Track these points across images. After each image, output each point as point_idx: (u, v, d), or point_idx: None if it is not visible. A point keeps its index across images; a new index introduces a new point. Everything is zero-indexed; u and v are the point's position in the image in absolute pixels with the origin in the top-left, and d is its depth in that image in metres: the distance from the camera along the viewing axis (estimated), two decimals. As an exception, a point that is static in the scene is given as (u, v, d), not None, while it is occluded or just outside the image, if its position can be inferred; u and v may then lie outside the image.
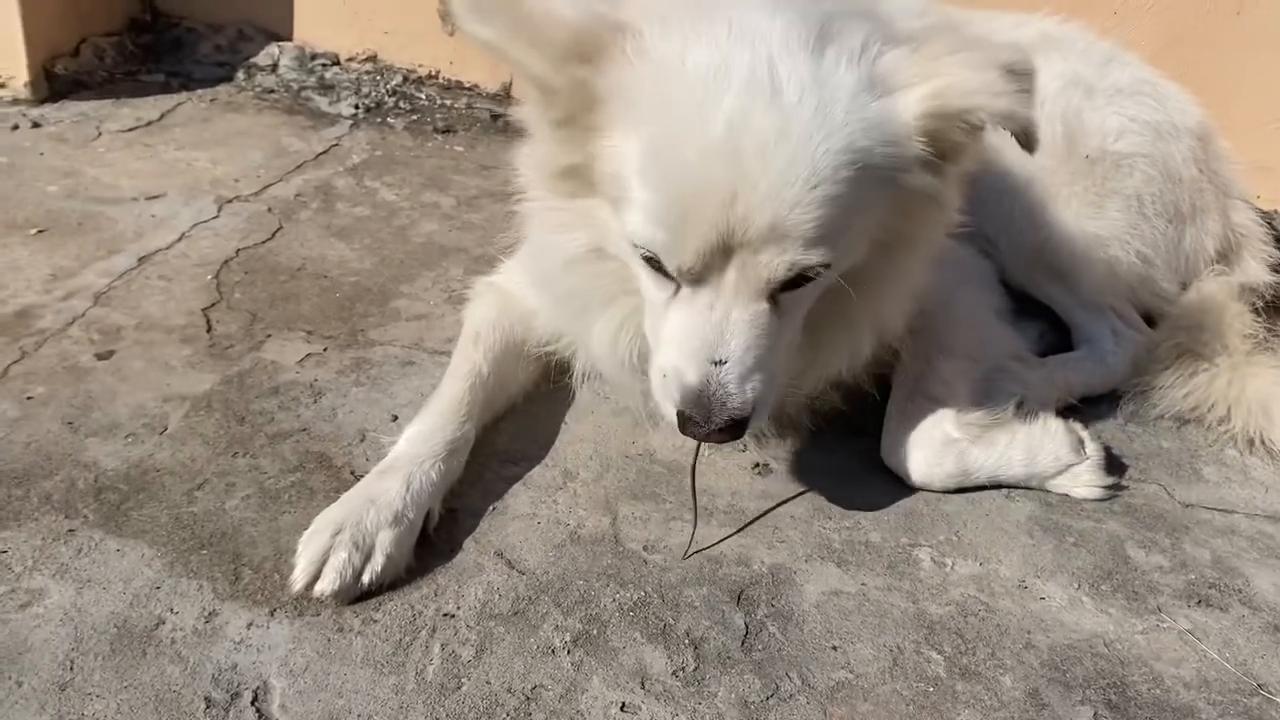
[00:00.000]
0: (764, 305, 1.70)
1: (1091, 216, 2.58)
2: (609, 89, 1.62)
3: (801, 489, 2.14)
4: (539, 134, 1.82)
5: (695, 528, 1.97)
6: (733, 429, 1.72)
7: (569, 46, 1.61)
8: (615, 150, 1.66)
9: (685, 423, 1.74)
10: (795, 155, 1.56)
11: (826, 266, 1.66)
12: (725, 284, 1.67)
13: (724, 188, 1.57)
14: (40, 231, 2.84)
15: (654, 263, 1.70)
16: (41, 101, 3.70)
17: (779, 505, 2.09)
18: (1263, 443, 2.39)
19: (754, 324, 1.70)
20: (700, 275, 1.67)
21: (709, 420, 1.71)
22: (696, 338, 1.70)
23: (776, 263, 1.63)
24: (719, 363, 1.69)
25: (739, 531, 2.01)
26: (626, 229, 1.69)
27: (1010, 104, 1.62)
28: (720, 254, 1.63)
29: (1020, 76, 1.63)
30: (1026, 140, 1.70)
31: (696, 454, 1.98)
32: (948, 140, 1.66)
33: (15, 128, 3.49)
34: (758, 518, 2.05)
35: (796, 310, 1.78)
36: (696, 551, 1.94)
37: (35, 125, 3.53)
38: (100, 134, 3.53)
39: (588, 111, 1.65)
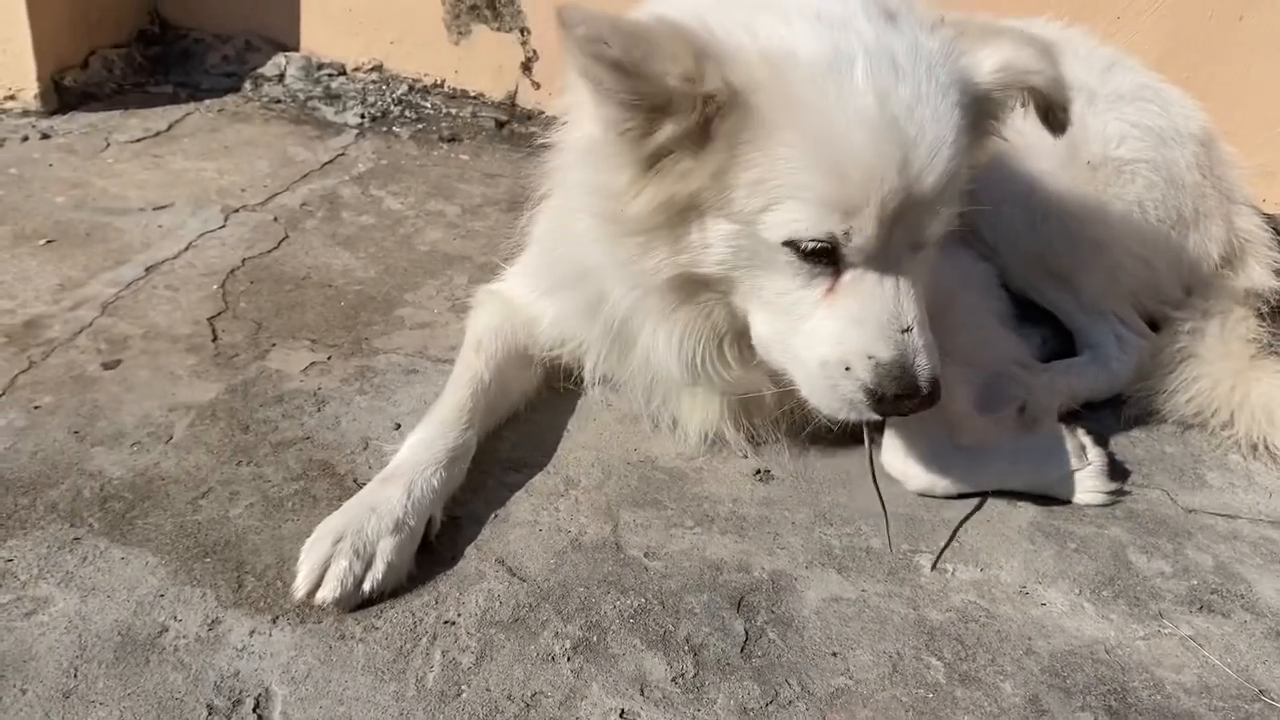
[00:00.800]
0: (919, 265, 1.78)
1: (1094, 222, 2.57)
2: (738, 95, 1.62)
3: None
4: (623, 178, 1.75)
5: (889, 524, 2.00)
6: (935, 391, 1.73)
7: (694, 51, 1.59)
8: (760, 155, 1.66)
9: (892, 403, 1.73)
10: (936, 114, 1.66)
11: None
12: (889, 254, 1.72)
13: (896, 156, 1.63)
14: (49, 242, 2.87)
15: (818, 255, 1.70)
16: (51, 113, 3.73)
17: (983, 498, 2.15)
18: (1266, 448, 2.39)
19: (916, 284, 1.77)
20: (874, 250, 1.70)
21: (917, 389, 1.71)
22: (880, 312, 1.73)
23: (942, 217, 1.73)
24: (906, 330, 1.72)
25: (952, 539, 2.05)
26: (786, 231, 1.69)
27: (1059, 74, 1.79)
28: (893, 222, 1.68)
29: (1055, 60, 1.80)
30: (1064, 115, 1.84)
31: (870, 446, 1.99)
32: (998, 106, 1.82)
33: (25, 139, 3.52)
34: (969, 515, 2.10)
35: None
36: (937, 561, 1.98)
37: (44, 136, 3.56)
38: (109, 145, 3.56)
39: (723, 121, 1.64)
